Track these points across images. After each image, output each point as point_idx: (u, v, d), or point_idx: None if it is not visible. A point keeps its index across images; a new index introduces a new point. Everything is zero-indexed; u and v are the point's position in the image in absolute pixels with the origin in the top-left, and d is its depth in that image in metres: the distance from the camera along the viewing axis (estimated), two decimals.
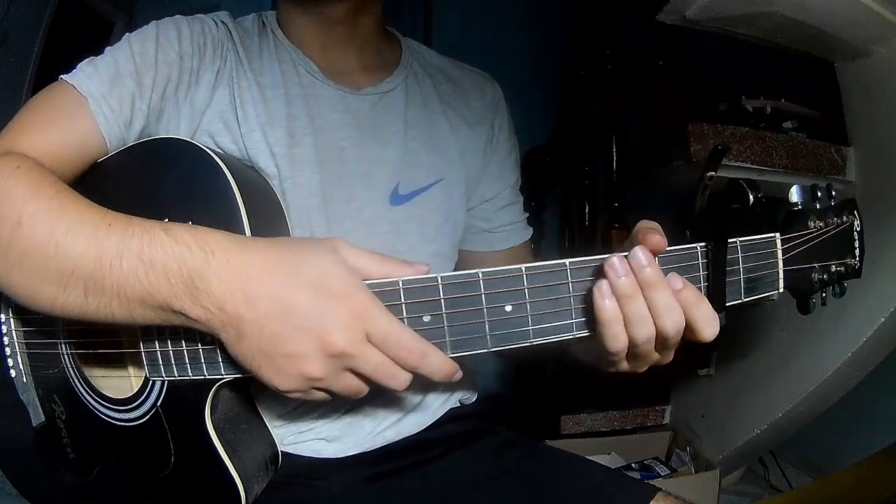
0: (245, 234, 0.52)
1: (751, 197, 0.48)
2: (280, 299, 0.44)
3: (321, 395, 0.48)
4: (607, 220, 1.80)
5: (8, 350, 0.66)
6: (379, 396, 0.70)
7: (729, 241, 0.49)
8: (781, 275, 0.52)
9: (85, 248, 0.47)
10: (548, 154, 1.93)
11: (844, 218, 0.54)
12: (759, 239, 0.51)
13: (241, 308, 0.44)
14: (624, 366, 0.51)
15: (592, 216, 1.89)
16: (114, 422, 0.60)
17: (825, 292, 0.55)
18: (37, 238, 0.48)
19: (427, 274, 0.48)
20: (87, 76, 0.60)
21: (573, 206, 1.95)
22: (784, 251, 0.51)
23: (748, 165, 1.25)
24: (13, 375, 0.65)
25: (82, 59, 0.63)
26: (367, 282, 0.47)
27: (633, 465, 1.56)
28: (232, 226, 0.52)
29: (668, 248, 0.48)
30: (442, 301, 0.47)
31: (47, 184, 0.51)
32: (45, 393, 0.64)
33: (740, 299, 0.51)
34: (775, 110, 1.39)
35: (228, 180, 0.53)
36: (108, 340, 0.59)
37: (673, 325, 0.46)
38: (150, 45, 0.62)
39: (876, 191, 1.19)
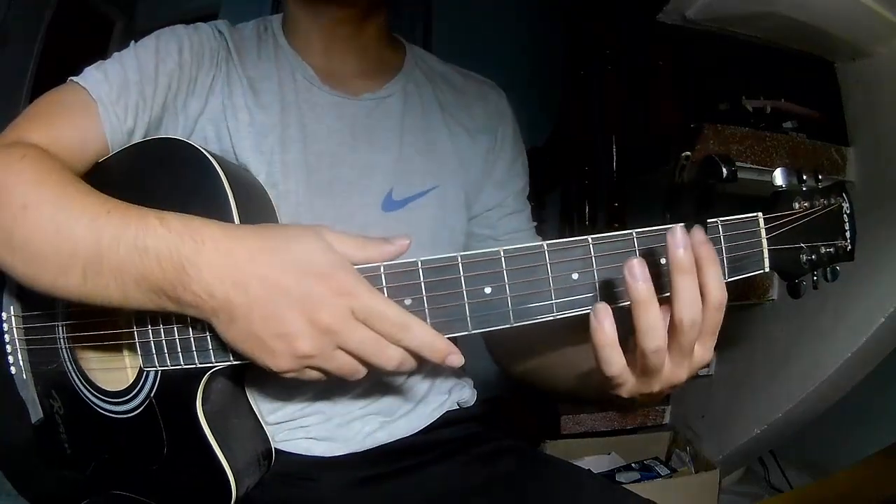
0: None
1: (723, 170, 0.47)
2: (267, 282, 0.46)
3: (315, 374, 0.49)
4: (607, 221, 1.80)
5: (9, 347, 0.66)
6: (371, 396, 0.70)
7: (710, 220, 0.49)
8: (767, 254, 0.51)
9: (85, 233, 0.49)
10: (548, 154, 1.93)
11: (832, 200, 0.54)
12: (740, 218, 0.51)
13: (230, 293, 0.46)
14: (630, 382, 0.48)
15: (592, 216, 1.89)
16: (109, 414, 0.61)
17: (816, 275, 0.54)
18: (41, 222, 0.50)
19: (408, 246, 0.50)
20: (97, 81, 0.61)
21: (573, 206, 1.95)
22: (768, 230, 0.51)
23: (748, 165, 1.25)
24: (13, 372, 0.66)
25: (82, 59, 0.64)
26: None
27: (633, 465, 1.56)
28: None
29: (648, 229, 0.48)
30: (422, 285, 0.48)
31: (53, 171, 0.53)
32: (43, 389, 0.65)
33: (725, 279, 0.50)
34: (775, 110, 1.39)
35: (222, 180, 0.55)
36: (106, 333, 0.60)
37: (691, 313, 0.44)
38: (151, 56, 0.64)
39: (876, 191, 1.19)
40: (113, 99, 0.61)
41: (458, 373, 0.81)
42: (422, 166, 0.72)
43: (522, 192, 0.82)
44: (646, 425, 1.70)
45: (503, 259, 0.48)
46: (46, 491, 0.68)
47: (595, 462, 1.58)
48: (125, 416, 0.60)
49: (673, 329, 0.45)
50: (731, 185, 0.49)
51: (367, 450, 0.70)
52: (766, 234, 0.51)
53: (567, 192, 1.98)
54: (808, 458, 1.57)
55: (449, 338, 0.49)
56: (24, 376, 0.66)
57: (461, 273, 0.48)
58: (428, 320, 0.48)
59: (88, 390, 0.62)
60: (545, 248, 0.48)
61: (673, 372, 0.48)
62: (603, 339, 0.45)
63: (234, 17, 0.76)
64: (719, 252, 0.49)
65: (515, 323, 0.48)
